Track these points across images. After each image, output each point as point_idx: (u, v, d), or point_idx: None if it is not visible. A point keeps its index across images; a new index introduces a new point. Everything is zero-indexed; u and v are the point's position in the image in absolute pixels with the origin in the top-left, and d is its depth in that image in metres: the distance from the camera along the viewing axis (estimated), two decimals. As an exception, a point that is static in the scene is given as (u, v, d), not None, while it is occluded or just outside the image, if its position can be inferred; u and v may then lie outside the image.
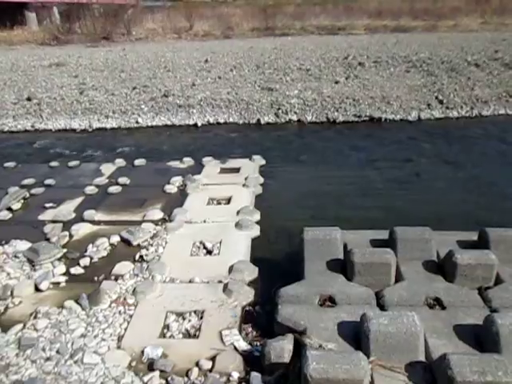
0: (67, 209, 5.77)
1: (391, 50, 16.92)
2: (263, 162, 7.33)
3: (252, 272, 4.24)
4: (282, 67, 14.44)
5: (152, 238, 4.96)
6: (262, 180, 6.54)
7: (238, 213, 5.41)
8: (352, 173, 6.90)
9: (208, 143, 8.74)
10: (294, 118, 10.09)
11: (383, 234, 4.11)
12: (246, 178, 6.48)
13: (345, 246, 4.01)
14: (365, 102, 10.38)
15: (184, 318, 3.67)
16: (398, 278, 3.69)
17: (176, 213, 5.44)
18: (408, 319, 2.87)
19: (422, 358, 2.85)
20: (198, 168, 7.06)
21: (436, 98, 10.62)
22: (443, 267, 3.73)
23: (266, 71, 13.99)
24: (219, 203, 5.83)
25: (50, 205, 5.87)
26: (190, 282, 4.15)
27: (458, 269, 3.56)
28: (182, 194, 6.13)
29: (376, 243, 4.03)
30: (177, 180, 6.53)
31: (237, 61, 16.12)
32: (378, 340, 2.82)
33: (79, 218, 5.48)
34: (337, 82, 12.19)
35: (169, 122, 10.26)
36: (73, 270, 4.42)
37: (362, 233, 4.27)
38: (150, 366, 3.21)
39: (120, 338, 3.47)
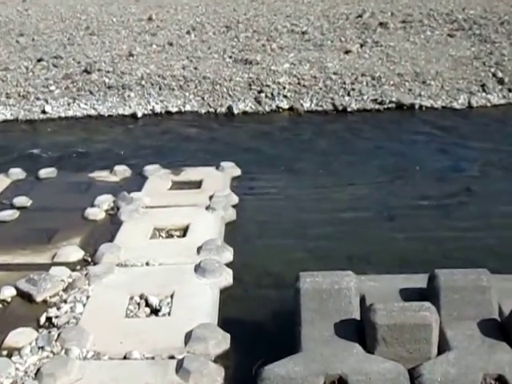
0: None
1: (427, 5, 17.23)
2: (237, 171, 7.32)
3: (221, 341, 4.21)
4: (266, 29, 14.58)
5: (66, 289, 4.90)
6: (235, 199, 6.55)
7: (198, 250, 5.40)
8: (371, 188, 6.89)
9: (153, 143, 8.67)
10: (284, 104, 10.12)
11: (419, 281, 4.16)
12: (210, 197, 6.43)
13: (362, 300, 4.04)
14: (389, 82, 10.47)
15: (116, 416, 3.59)
16: (443, 346, 3.70)
17: (103, 251, 5.41)
18: (458, 410, 2.82)
19: None
20: (137, 182, 7.05)
21: (493, 75, 10.84)
22: (509, 329, 3.73)
23: (242, 35, 14.09)
24: (170, 236, 5.83)
25: None
26: (126, 358, 4.06)
27: (530, 332, 3.57)
28: (113, 222, 6.11)
29: (409, 294, 4.07)
30: (105, 200, 6.50)
31: (196, 19, 16.19)
32: None
33: (-49, 260, 5.37)
34: (347, 52, 12.32)
35: (93, 112, 10.26)
36: None
37: (388, 279, 4.31)
38: None
39: None
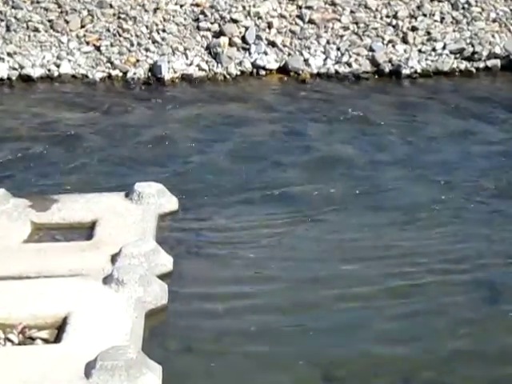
0: None
1: None
2: (171, 203, 5.74)
3: None
4: None
5: None
6: (165, 263, 5.01)
7: (88, 371, 4.04)
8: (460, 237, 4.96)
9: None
10: (270, 61, 7.57)
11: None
12: (113, 258, 5.01)
13: None
14: (487, 15, 7.77)
15: None
16: None
17: None
18: None
19: None
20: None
21: None
22: None
23: None
24: (29, 339, 4.63)
25: None
26: None
27: None
28: None
29: None
30: None
31: None
32: None
33: None
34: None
35: None
36: None
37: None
38: None
39: None
